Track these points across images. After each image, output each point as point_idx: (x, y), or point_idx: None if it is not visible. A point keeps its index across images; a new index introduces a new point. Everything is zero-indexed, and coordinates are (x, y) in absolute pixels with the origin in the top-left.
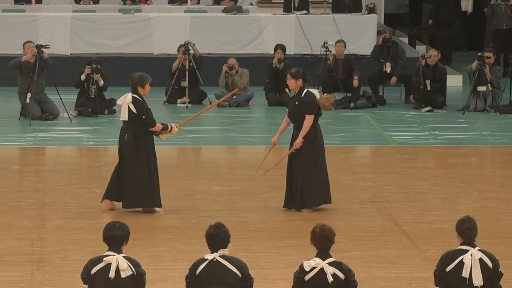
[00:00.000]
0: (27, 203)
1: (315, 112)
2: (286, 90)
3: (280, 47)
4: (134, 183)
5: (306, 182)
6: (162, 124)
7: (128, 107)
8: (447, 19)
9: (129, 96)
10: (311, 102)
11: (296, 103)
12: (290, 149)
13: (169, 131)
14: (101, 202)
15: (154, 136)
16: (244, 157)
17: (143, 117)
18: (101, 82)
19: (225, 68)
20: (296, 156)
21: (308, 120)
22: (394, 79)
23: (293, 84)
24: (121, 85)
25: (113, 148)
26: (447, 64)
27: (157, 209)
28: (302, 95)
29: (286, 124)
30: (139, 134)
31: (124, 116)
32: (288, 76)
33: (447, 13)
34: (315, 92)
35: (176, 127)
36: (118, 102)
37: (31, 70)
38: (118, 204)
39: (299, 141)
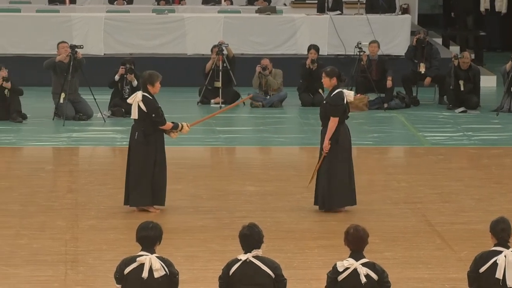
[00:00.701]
0: (60, 203)
1: (340, 114)
2: (320, 90)
3: (313, 48)
4: (139, 181)
5: (325, 184)
6: (172, 122)
7: (138, 106)
8: (464, 7)
9: (139, 94)
10: (336, 104)
11: (325, 102)
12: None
13: (180, 130)
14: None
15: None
16: (277, 157)
17: (153, 115)
18: (135, 83)
19: (258, 68)
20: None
21: (332, 122)
22: (428, 80)
23: (327, 82)
24: None
25: None
26: (478, 64)
27: (156, 207)
28: (332, 95)
29: None
30: (149, 132)
31: (134, 114)
32: (323, 74)
33: (465, 1)
34: (350, 93)
35: (188, 126)
36: (128, 100)
37: (65, 70)
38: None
39: (326, 143)
